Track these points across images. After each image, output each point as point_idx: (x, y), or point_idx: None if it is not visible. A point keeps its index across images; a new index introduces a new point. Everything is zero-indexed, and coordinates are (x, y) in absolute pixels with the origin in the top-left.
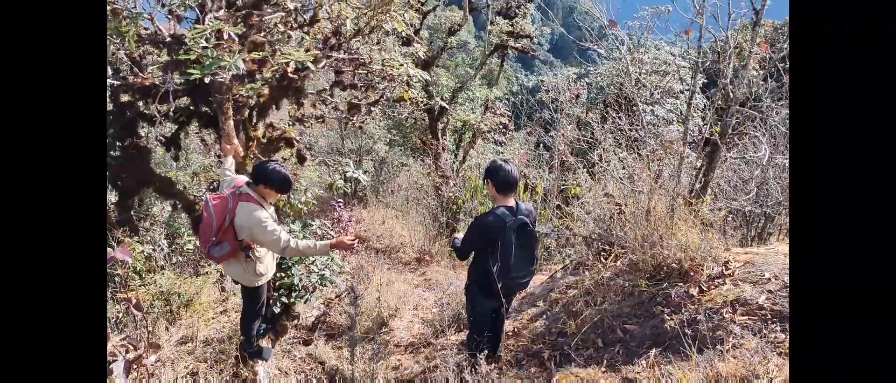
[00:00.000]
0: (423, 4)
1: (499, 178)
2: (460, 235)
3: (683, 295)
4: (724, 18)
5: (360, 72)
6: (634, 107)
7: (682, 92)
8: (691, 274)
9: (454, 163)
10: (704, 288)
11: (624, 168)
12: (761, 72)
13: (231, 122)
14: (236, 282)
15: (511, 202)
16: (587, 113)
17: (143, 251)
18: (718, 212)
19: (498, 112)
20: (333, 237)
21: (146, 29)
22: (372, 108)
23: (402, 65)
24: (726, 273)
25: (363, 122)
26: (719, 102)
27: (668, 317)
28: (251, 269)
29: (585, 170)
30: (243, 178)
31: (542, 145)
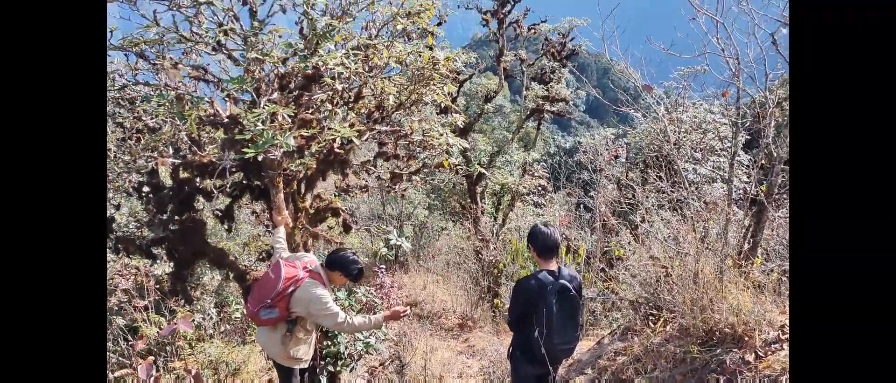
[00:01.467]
0: (459, 74)
1: (538, 242)
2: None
3: (739, 361)
4: (761, 78)
5: (401, 142)
6: (675, 167)
7: (723, 150)
8: (746, 339)
9: (494, 226)
10: (761, 354)
11: (668, 229)
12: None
13: (281, 195)
14: (268, 358)
15: (553, 266)
16: (627, 173)
17: (194, 320)
18: (771, 274)
19: (536, 174)
20: (378, 303)
21: (205, 110)
22: (413, 177)
23: (441, 134)
24: (783, 337)
25: (404, 190)
26: (763, 161)
27: None
28: (287, 347)
29: (628, 231)
30: (313, 258)
31: (582, 206)
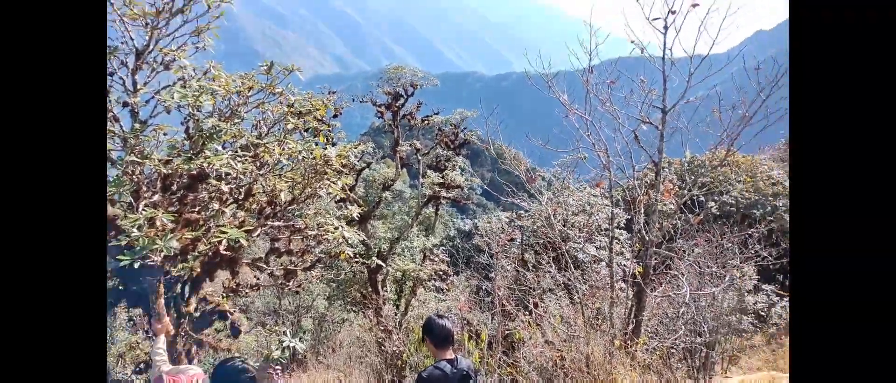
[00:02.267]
0: (356, 164)
1: (435, 334)
2: None
3: None
4: (629, 170)
5: (295, 237)
6: (562, 250)
7: (606, 231)
8: None
9: (396, 314)
10: None
11: (560, 311)
12: (674, 215)
13: (162, 301)
14: None
15: (450, 355)
16: (523, 255)
17: None
18: (653, 353)
19: (436, 259)
20: None
21: None
22: (309, 271)
23: (336, 227)
24: None
25: (299, 287)
26: (637, 245)
27: None
28: None
29: (525, 314)
30: (198, 371)
31: (482, 290)
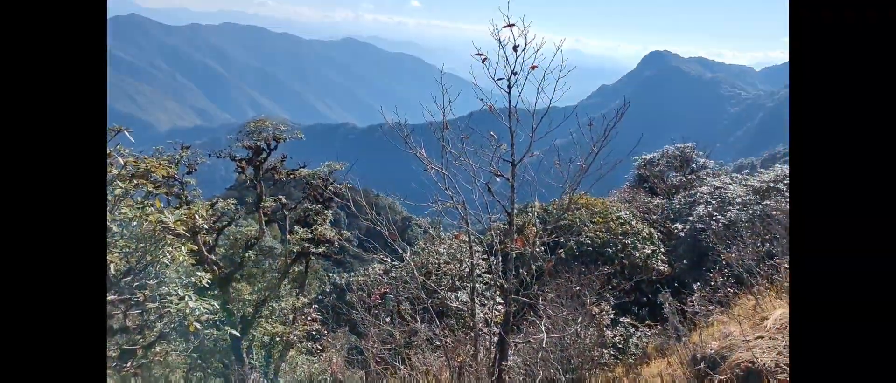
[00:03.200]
0: (217, 221)
1: None
2: None
3: None
4: (486, 221)
5: (132, 313)
6: (431, 306)
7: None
8: None
9: (264, 382)
10: None
11: (426, 370)
12: (530, 258)
13: None
14: None
15: None
16: (398, 307)
17: None
18: None
19: (309, 318)
20: None
21: None
22: (148, 351)
23: (182, 297)
24: None
25: (138, 369)
26: (497, 294)
27: None
28: None
29: (396, 372)
30: None
31: (355, 348)
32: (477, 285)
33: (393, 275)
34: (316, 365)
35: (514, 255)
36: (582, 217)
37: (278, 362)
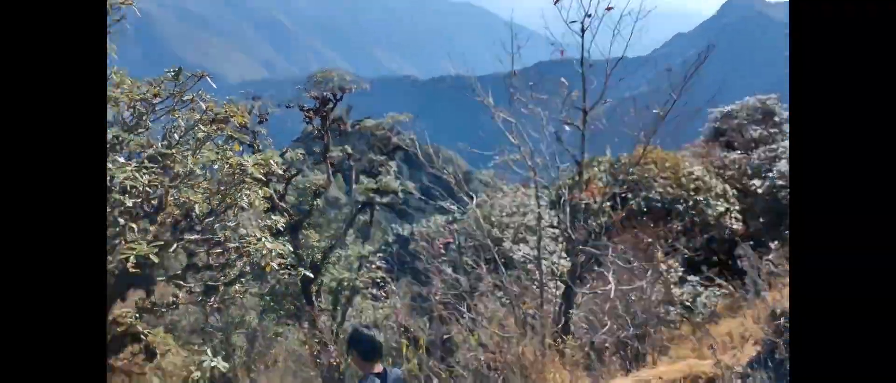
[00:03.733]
0: (286, 170)
1: (361, 347)
2: None
3: None
4: (555, 170)
5: (215, 251)
6: (496, 251)
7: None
8: None
9: (332, 325)
10: None
11: (494, 313)
12: (599, 211)
13: None
14: None
15: (379, 368)
16: (461, 258)
17: None
18: (583, 348)
19: (373, 266)
20: None
21: None
22: (230, 288)
23: (259, 238)
24: None
25: (221, 304)
26: (564, 244)
27: None
28: None
29: (461, 318)
30: None
31: (420, 296)
32: (543, 236)
33: (455, 226)
34: (380, 310)
35: (583, 206)
36: (651, 171)
37: (345, 306)
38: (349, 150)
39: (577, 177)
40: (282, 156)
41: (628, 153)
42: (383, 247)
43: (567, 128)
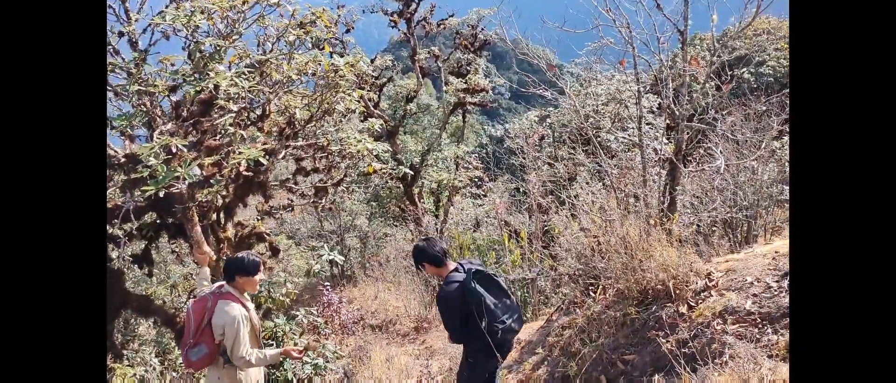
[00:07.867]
0: (377, 78)
1: (429, 256)
2: None
3: (674, 314)
4: (654, 44)
5: (319, 155)
6: (594, 140)
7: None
8: (677, 292)
9: (436, 223)
10: (693, 305)
11: (593, 201)
12: (704, 86)
13: (198, 229)
14: None
15: (452, 265)
16: (556, 151)
17: (134, 375)
18: (689, 227)
19: (470, 166)
20: (321, 323)
21: None
22: (337, 188)
23: (359, 140)
24: (711, 285)
25: (332, 204)
26: (667, 121)
27: (664, 340)
28: (230, 377)
29: (561, 207)
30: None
31: (518, 191)
32: (644, 118)
33: (550, 120)
34: (480, 207)
35: (688, 80)
36: (762, 43)
37: (446, 205)
38: (436, 51)
39: (681, 48)
40: (372, 62)
41: (737, 22)
42: (477, 149)
43: None
